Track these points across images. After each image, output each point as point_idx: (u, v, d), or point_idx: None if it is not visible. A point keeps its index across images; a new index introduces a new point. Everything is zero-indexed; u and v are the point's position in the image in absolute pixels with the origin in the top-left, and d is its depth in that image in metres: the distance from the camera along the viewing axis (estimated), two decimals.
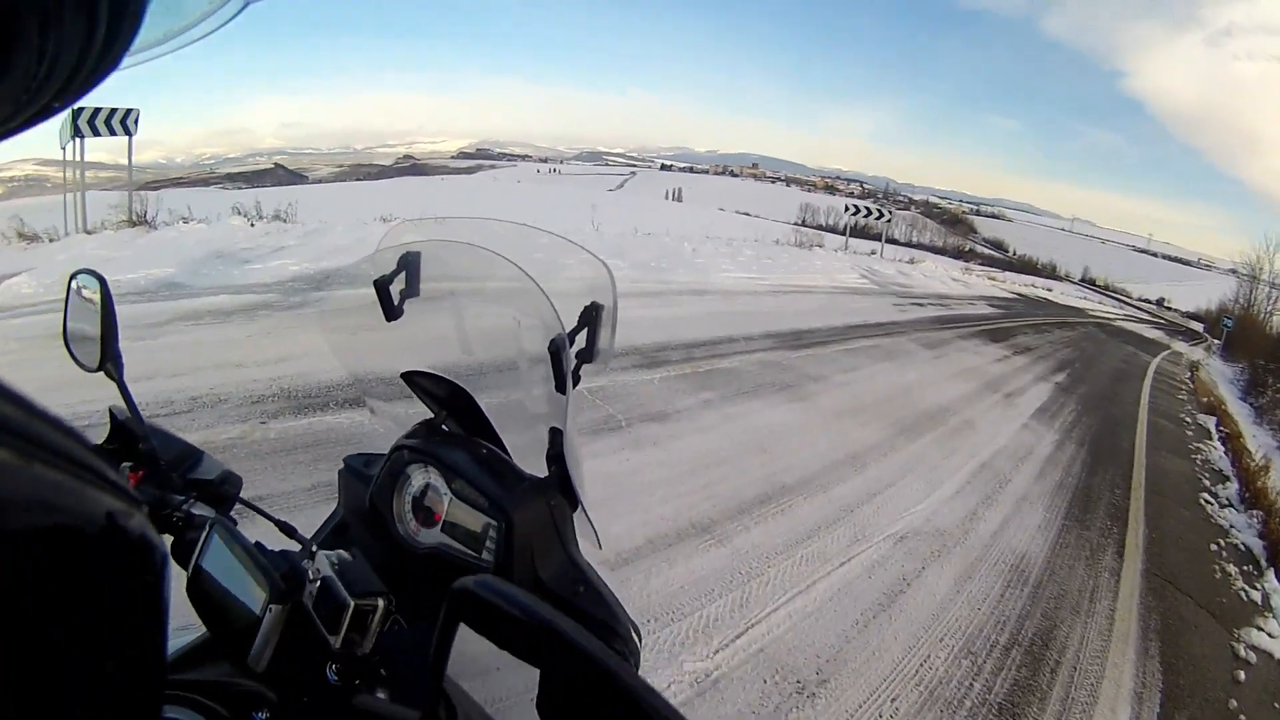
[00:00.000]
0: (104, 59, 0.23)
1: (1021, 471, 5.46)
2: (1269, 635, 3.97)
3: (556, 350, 0.79)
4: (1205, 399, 14.96)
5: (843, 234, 21.49)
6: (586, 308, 0.90)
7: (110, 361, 0.78)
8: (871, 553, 3.55)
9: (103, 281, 0.79)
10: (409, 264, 0.90)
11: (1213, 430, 10.67)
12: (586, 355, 0.89)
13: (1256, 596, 4.46)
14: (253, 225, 8.55)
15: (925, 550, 3.73)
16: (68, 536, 0.20)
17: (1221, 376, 24.70)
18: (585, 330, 0.89)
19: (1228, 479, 7.50)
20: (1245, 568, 4.92)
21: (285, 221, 9.16)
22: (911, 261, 24.46)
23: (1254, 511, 6.14)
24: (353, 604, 0.60)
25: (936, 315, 13.32)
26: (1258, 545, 5.35)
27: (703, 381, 5.60)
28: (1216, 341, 39.96)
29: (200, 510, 0.75)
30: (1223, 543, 5.28)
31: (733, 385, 5.69)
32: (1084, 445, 6.89)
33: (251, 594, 0.60)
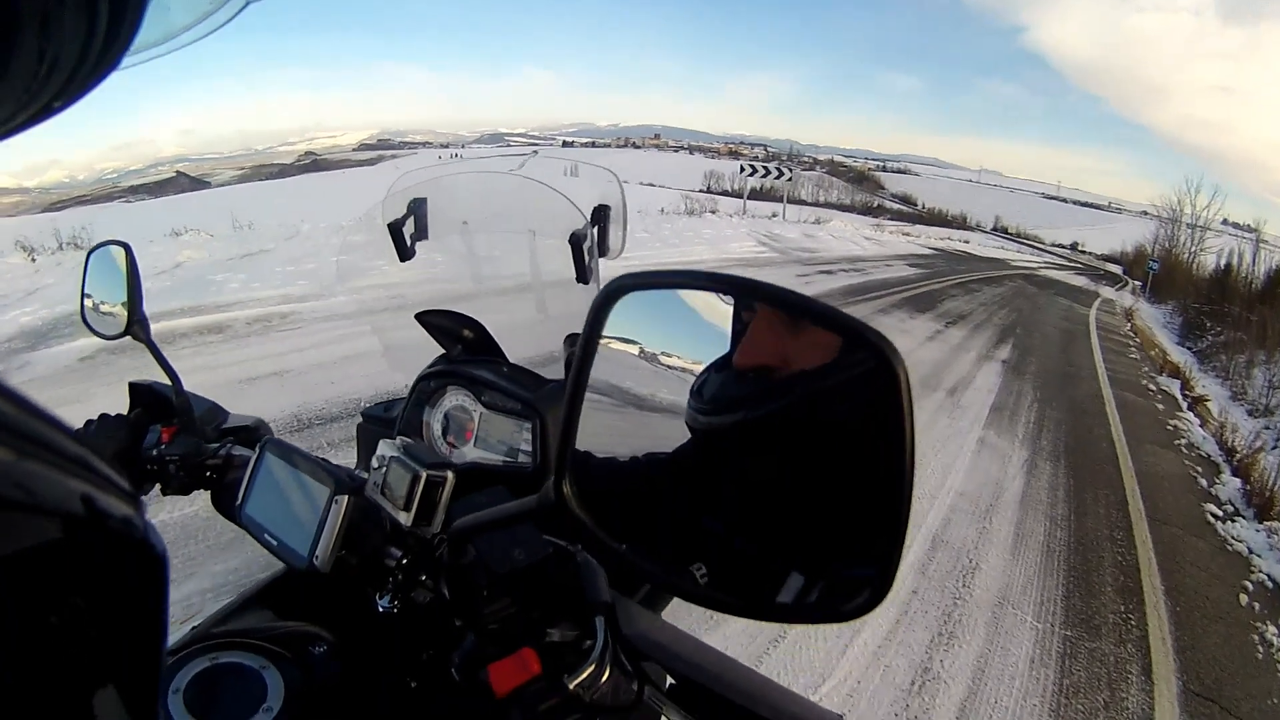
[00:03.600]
0: (104, 59, 0.25)
1: (990, 544, 4.24)
2: None
3: (578, 240, 1.06)
4: (1154, 353, 15.65)
5: (744, 199, 22.40)
6: (596, 209, 1.17)
7: (138, 324, 0.97)
8: None
9: (128, 249, 0.99)
10: (417, 209, 1.12)
11: (1178, 395, 10.88)
12: (601, 250, 1.16)
13: None
14: (33, 260, 8.47)
15: None
16: (65, 534, 0.23)
17: (1155, 321, 26.81)
18: (597, 228, 1.14)
19: (1218, 468, 7.29)
20: None
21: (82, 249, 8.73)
22: (818, 222, 25.20)
23: (1264, 524, 5.82)
24: (425, 473, 0.71)
25: (849, 284, 12.98)
26: None
27: None
28: (1138, 283, 45.24)
29: (239, 450, 0.91)
30: (1250, 585, 4.71)
31: None
32: (1059, 461, 5.97)
33: (313, 495, 0.72)
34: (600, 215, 1.17)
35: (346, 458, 1.16)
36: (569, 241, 1.05)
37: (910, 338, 9.40)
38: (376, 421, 1.15)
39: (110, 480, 0.24)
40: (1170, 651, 3.67)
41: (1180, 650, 3.72)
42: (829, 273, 14.02)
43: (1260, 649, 3.96)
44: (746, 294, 0.51)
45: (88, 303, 1.04)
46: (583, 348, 0.53)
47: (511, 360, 1.11)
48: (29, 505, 0.21)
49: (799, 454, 0.51)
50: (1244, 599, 4.49)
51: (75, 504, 0.22)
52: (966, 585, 3.73)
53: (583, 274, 1.07)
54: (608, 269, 0.93)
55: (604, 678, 0.66)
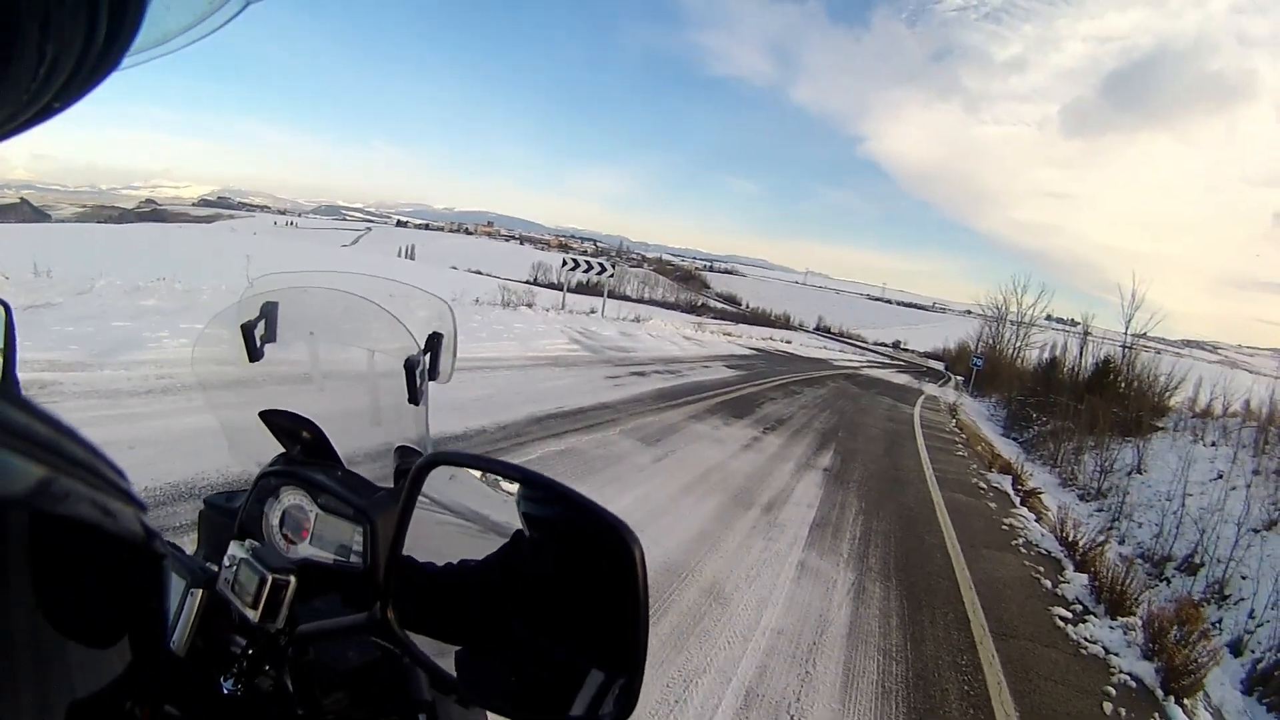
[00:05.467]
0: (104, 59, 0.28)
1: (815, 693, 3.91)
2: None
3: (411, 366, 1.22)
4: (980, 447, 16.91)
5: (565, 292, 23.45)
6: (430, 336, 1.36)
7: (10, 384, 1.17)
8: None
9: (7, 309, 1.19)
10: (269, 312, 1.24)
11: (1010, 491, 11.69)
12: (432, 374, 1.33)
13: None
14: None
15: None
16: (66, 535, 0.26)
17: (980, 415, 29.57)
18: (429, 354, 1.33)
19: (1061, 565, 7.69)
20: (1152, 715, 4.76)
21: None
22: (638, 319, 26.40)
23: (1119, 619, 6.16)
24: (271, 577, 0.86)
25: (662, 388, 13.14)
26: (1149, 673, 5.23)
27: None
28: (960, 378, 50.80)
29: None
30: (1114, 690, 4.87)
31: None
32: (890, 580, 5.92)
33: (170, 585, 0.84)
34: (433, 343, 1.35)
35: None
36: (403, 365, 1.22)
37: (724, 447, 9.36)
38: (219, 510, 1.25)
39: (113, 484, 0.28)
40: None
41: None
42: (641, 374, 14.16)
43: None
44: (529, 484, 0.80)
45: None
46: (402, 509, 0.77)
47: (346, 459, 1.24)
48: (36, 506, 0.24)
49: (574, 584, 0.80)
50: (1108, 707, 4.57)
51: (81, 506, 0.25)
52: None
53: (414, 396, 1.23)
54: (436, 391, 1.29)
55: None
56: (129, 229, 69.55)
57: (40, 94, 0.27)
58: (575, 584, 0.78)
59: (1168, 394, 24.27)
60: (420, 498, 0.78)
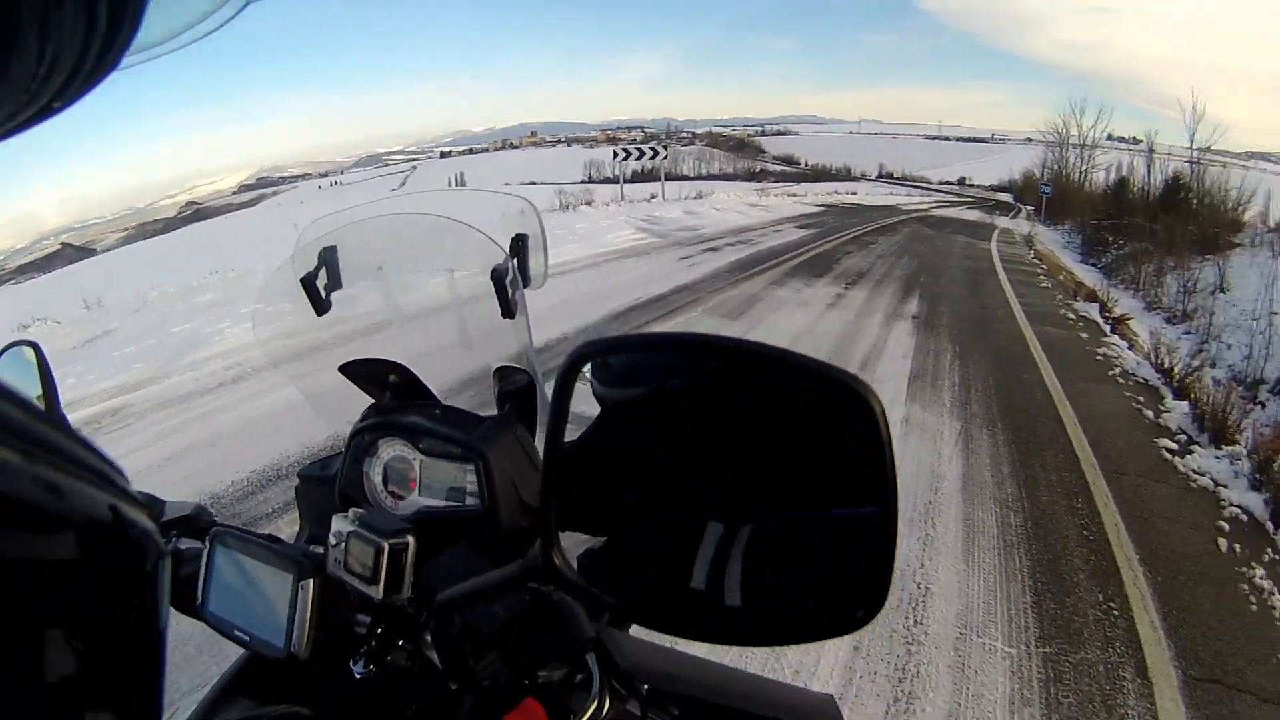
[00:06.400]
0: (104, 59, 0.28)
1: (938, 555, 3.83)
2: None
3: (500, 276, 1.07)
4: (1062, 276, 16.22)
5: (621, 184, 23.14)
6: (514, 239, 1.22)
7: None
8: None
9: (38, 348, 1.07)
10: (328, 258, 1.13)
11: (1099, 320, 11.23)
12: (524, 281, 1.20)
13: None
14: None
15: None
16: (67, 534, 0.25)
17: (1055, 243, 28.31)
18: (516, 259, 1.16)
19: (1160, 393, 7.39)
20: (1265, 549, 4.43)
21: None
22: (699, 196, 25.89)
23: (1224, 448, 5.89)
24: (387, 544, 0.78)
25: (737, 260, 12.78)
26: (1258, 505, 4.93)
27: None
28: (1030, 208, 48.67)
29: (187, 543, 0.94)
30: (1226, 525, 4.64)
31: None
32: (995, 426, 5.74)
33: (276, 583, 0.78)
34: (519, 245, 1.23)
35: None
36: (490, 278, 1.08)
37: (809, 309, 9.14)
38: (315, 481, 1.16)
39: (114, 483, 0.28)
40: (1162, 637, 3.43)
41: (1171, 632, 3.49)
42: (714, 249, 13.80)
43: (1253, 601, 3.84)
44: (702, 352, 0.59)
45: None
46: (554, 415, 0.60)
47: (443, 395, 1.19)
48: (37, 504, 0.23)
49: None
50: (1223, 544, 4.37)
51: (82, 504, 0.25)
52: (918, 621, 3.27)
53: (507, 309, 1.10)
54: (532, 299, 1.14)
55: (606, 711, 0.73)
56: (176, 236, 71.14)
57: (40, 93, 0.26)
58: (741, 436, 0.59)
59: (1241, 208, 22.85)
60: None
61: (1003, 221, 36.25)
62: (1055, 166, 47.12)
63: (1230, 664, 3.30)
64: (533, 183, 77.20)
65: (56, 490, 0.24)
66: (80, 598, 0.26)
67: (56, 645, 0.25)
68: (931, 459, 4.92)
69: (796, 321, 8.40)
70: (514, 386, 1.11)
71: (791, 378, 0.56)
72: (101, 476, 0.27)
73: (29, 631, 0.24)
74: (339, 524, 0.81)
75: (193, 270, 13.46)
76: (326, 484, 1.11)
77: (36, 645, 0.24)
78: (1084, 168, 43.65)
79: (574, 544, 0.64)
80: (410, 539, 0.80)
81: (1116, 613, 3.52)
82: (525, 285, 1.20)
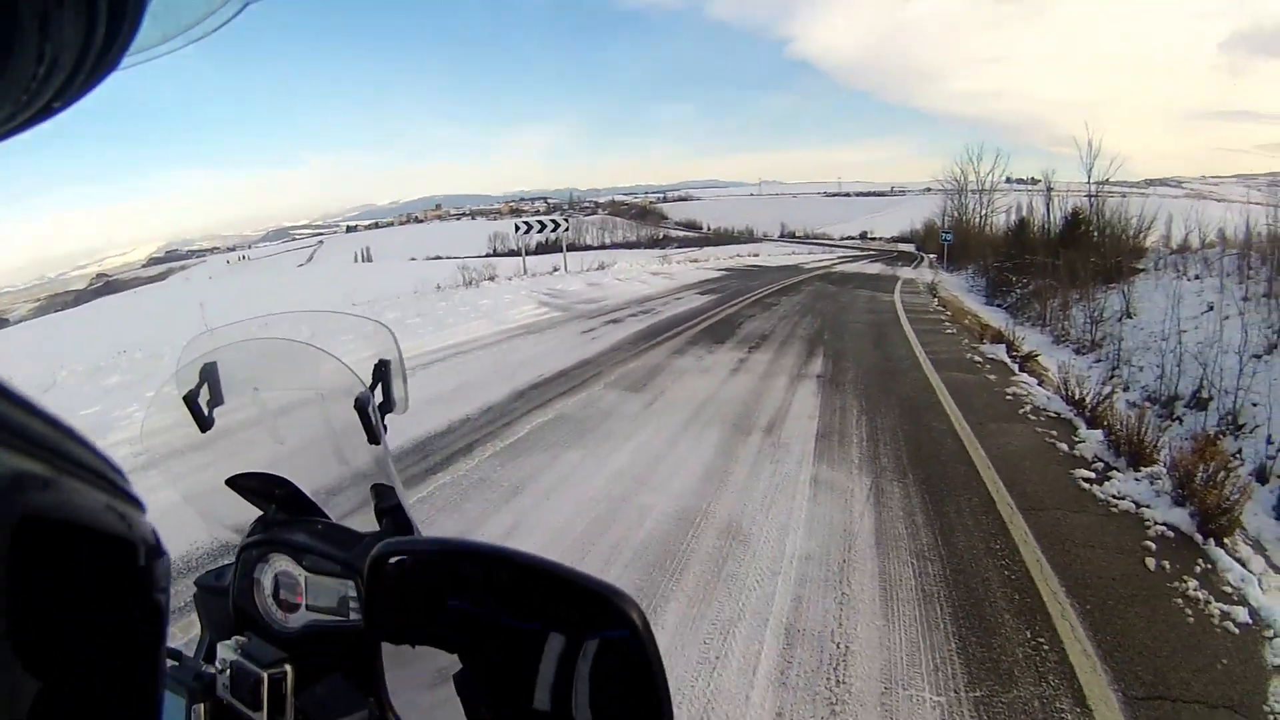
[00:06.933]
0: (103, 59, 0.29)
1: (855, 613, 3.86)
2: None
3: (362, 405, 1.17)
4: (968, 320, 16.94)
5: (524, 256, 24.17)
6: (376, 365, 1.32)
7: None
8: None
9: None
10: (209, 375, 1.21)
11: (1006, 360, 11.65)
12: (387, 406, 1.30)
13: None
14: None
15: None
16: (67, 533, 0.26)
17: (959, 288, 29.73)
18: (380, 384, 1.30)
19: (1073, 425, 7.67)
20: (1195, 561, 4.66)
21: None
22: (602, 267, 26.64)
23: (1143, 469, 6.14)
24: (266, 675, 0.87)
25: (639, 330, 13.10)
26: (1184, 520, 5.13)
27: None
28: (932, 256, 51.48)
29: None
30: (1153, 544, 4.81)
31: None
32: (906, 476, 5.88)
33: (173, 705, 0.86)
34: (381, 371, 1.31)
35: None
36: (354, 406, 1.16)
37: (712, 376, 9.25)
38: (211, 591, 1.22)
39: (114, 484, 0.30)
40: (1097, 664, 3.51)
41: (1106, 657, 3.58)
42: (616, 321, 14.06)
43: (1189, 613, 4.01)
44: (493, 565, 0.63)
45: None
46: (368, 605, 0.69)
47: (327, 504, 1.25)
48: (38, 504, 0.24)
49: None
50: (1151, 563, 4.54)
51: (83, 504, 0.27)
52: (840, 681, 3.27)
53: (372, 435, 1.17)
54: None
55: None
56: (85, 310, 70.40)
57: (40, 94, 0.27)
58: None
59: (1142, 235, 24.64)
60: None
61: (905, 272, 37.99)
62: (955, 213, 50.51)
63: (1173, 678, 3.39)
64: (438, 257, 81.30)
65: (57, 489, 0.25)
66: (80, 597, 0.27)
67: (57, 644, 0.25)
68: (843, 518, 4.94)
69: (700, 389, 8.48)
70: (389, 503, 1.17)
71: (558, 589, 0.59)
72: (101, 476, 0.28)
73: (29, 630, 0.24)
74: (224, 651, 0.91)
75: (101, 348, 13.71)
76: (221, 594, 1.18)
77: (37, 644, 0.25)
78: (984, 212, 47.07)
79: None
80: (288, 668, 0.89)
81: (1047, 647, 3.58)
82: (390, 410, 1.30)
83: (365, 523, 1.18)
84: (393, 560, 0.67)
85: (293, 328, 1.31)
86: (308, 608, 1.11)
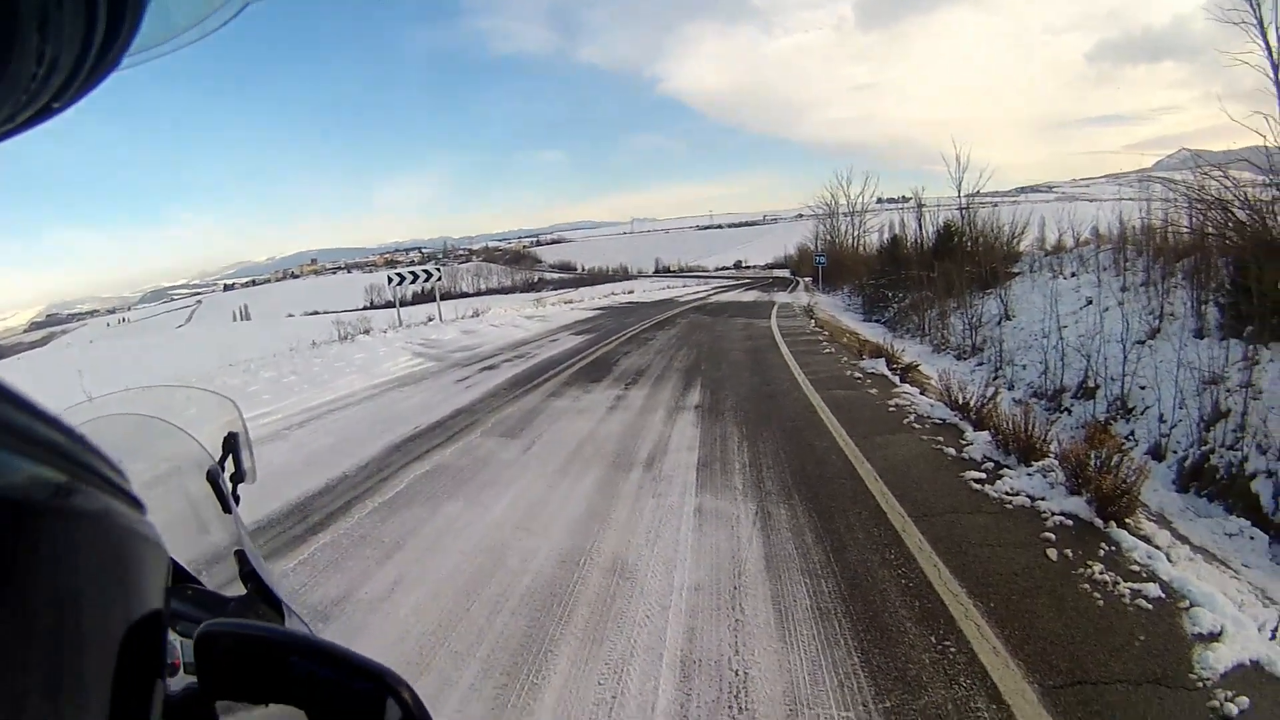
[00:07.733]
0: (103, 59, 0.30)
1: (751, 637, 3.92)
2: None
3: (213, 477, 1.26)
4: (846, 339, 17.60)
5: (398, 308, 24.73)
6: (225, 438, 1.39)
7: None
8: None
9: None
10: None
11: (885, 372, 12.14)
12: (239, 477, 1.38)
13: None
14: None
15: None
16: (68, 532, 0.28)
17: (836, 308, 31.01)
18: (230, 455, 1.37)
19: (959, 429, 8.02)
20: (1098, 545, 4.91)
21: None
22: (477, 314, 27.62)
23: (1034, 464, 6.47)
24: None
25: (514, 375, 13.31)
26: (1081, 508, 5.40)
27: None
28: (807, 280, 53.82)
29: None
30: (1052, 535, 5.04)
31: None
32: (792, 497, 6.03)
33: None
34: (231, 444, 1.38)
35: None
36: (206, 480, 1.25)
37: (589, 416, 9.31)
38: None
39: (127, 492, 0.31)
40: (1008, 659, 3.64)
41: (1017, 650, 3.71)
42: (491, 367, 14.23)
43: (1098, 596, 4.21)
44: (307, 655, 0.60)
45: None
46: (201, 682, 0.64)
47: (198, 570, 1.27)
48: (39, 504, 0.26)
49: None
50: (1052, 553, 4.73)
51: (83, 504, 0.28)
52: (743, 709, 3.31)
53: (225, 505, 1.25)
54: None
55: None
56: None
57: (40, 94, 0.28)
58: None
59: (1015, 240, 26.57)
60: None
61: (781, 297, 39.27)
62: (828, 236, 53.65)
63: (1090, 661, 3.54)
64: (315, 312, 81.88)
65: (58, 489, 0.26)
66: (80, 596, 0.28)
67: (57, 643, 0.26)
68: (730, 545, 5.00)
69: (577, 430, 8.52)
70: (248, 568, 1.23)
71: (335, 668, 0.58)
72: (101, 477, 0.29)
73: (30, 628, 0.25)
74: None
75: None
76: None
77: (37, 643, 0.25)
78: (856, 233, 50.31)
79: None
80: None
81: (954, 649, 3.68)
82: (242, 481, 1.38)
83: (237, 588, 1.22)
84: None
85: (152, 402, 1.42)
86: (185, 670, 1.04)
